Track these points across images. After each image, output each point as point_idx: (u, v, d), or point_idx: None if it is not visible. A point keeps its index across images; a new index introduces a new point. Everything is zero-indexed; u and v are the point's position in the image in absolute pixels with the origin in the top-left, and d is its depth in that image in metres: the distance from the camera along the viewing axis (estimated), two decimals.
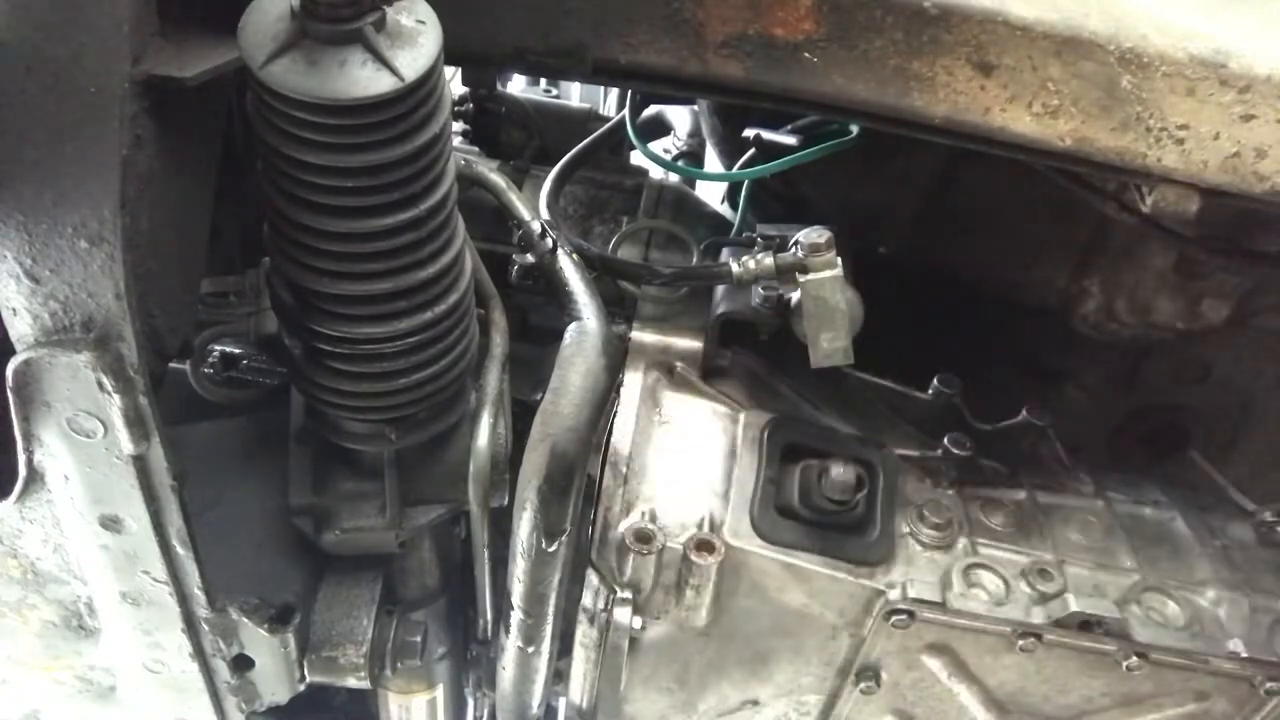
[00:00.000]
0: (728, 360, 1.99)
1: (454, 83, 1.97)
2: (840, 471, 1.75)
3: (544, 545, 1.67)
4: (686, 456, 1.83)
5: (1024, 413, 1.97)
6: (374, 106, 1.29)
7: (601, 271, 1.95)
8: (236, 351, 1.42)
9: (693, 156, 2.49)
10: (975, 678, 1.79)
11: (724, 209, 2.30)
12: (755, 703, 1.91)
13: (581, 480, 1.70)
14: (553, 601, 1.74)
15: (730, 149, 2.22)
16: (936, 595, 1.75)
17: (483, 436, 1.68)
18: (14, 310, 1.24)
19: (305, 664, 1.69)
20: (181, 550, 1.44)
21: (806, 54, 1.58)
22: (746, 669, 1.86)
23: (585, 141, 2.26)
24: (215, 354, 1.41)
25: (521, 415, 1.73)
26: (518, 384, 1.78)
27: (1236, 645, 1.74)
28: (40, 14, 1.18)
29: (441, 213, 1.46)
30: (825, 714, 1.90)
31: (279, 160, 1.35)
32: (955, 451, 1.89)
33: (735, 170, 2.15)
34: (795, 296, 1.83)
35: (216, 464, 1.54)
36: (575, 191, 2.24)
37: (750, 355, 2.00)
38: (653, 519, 1.74)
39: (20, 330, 1.26)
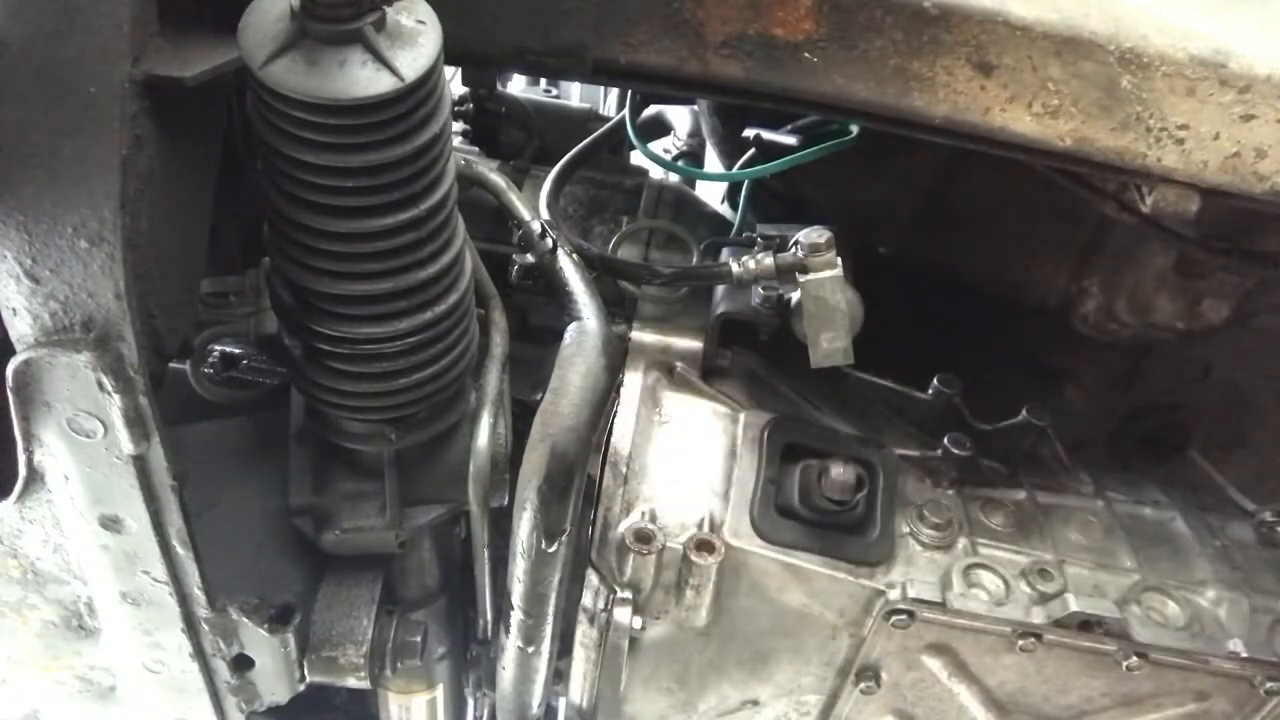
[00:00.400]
0: (728, 360, 1.99)
1: (454, 83, 1.97)
2: (840, 471, 1.76)
3: (544, 545, 1.68)
4: (686, 456, 1.84)
5: (1024, 413, 1.97)
6: (374, 106, 1.29)
7: (601, 271, 1.96)
8: (236, 351, 1.42)
9: (693, 156, 2.49)
10: (975, 678, 1.79)
11: (724, 209, 2.30)
12: (755, 703, 1.92)
13: (581, 480, 1.71)
14: (553, 601, 1.74)
15: (730, 149, 2.23)
16: (936, 595, 1.75)
17: (483, 436, 1.68)
18: (14, 310, 1.25)
19: (305, 664, 1.69)
20: (181, 550, 1.44)
21: (806, 54, 1.58)
22: (746, 669, 1.86)
23: (585, 141, 2.27)
24: (215, 354, 1.41)
25: (521, 415, 1.74)
26: (518, 384, 1.79)
27: (1236, 645, 1.74)
28: (41, 14, 1.18)
29: (441, 213, 1.46)
30: (825, 714, 1.90)
31: (279, 160, 1.35)
32: (955, 451, 1.90)
33: (735, 170, 2.16)
34: (795, 296, 1.84)
35: (216, 464, 1.55)
36: (575, 191, 2.24)
37: (750, 355, 2.01)
38: (653, 519, 1.75)
39: (20, 330, 1.26)
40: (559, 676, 1.90)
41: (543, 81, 2.70)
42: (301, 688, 1.71)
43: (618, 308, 1.98)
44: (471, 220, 1.61)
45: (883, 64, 1.58)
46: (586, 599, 1.75)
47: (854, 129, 1.93)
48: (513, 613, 1.74)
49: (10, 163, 1.18)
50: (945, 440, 1.91)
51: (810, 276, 1.80)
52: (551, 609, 1.75)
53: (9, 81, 1.15)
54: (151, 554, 1.43)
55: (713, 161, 2.38)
